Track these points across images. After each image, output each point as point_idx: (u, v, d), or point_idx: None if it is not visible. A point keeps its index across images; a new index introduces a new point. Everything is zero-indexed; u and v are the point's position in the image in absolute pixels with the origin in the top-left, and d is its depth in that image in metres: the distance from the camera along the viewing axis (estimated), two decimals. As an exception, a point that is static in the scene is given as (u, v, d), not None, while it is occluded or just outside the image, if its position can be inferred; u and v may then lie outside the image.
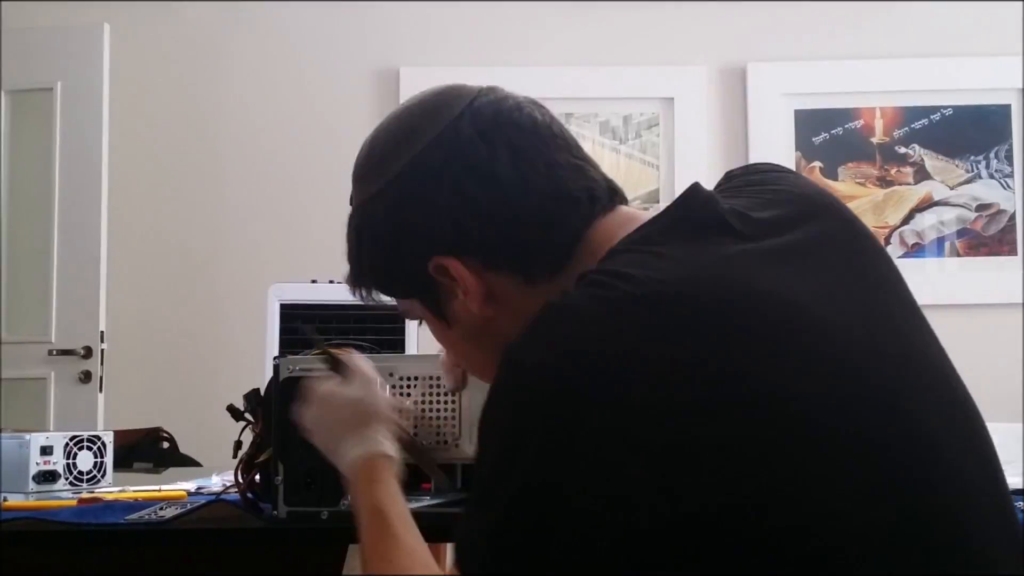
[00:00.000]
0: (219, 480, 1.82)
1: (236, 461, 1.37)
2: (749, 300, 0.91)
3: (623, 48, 4.38)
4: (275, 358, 1.36)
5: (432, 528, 1.38)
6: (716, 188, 1.08)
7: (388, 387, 1.33)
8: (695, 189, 1.02)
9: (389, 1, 4.40)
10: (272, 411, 1.34)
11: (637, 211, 1.10)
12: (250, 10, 4.45)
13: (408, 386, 1.33)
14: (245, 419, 1.36)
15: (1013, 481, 1.56)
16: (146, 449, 3.07)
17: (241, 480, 1.36)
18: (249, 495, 1.38)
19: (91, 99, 4.22)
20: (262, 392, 1.38)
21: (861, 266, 1.02)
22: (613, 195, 1.09)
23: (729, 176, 1.12)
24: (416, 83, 4.20)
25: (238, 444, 1.39)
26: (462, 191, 1.05)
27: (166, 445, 3.18)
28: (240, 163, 4.42)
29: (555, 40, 4.38)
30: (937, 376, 0.98)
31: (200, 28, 4.46)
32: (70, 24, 4.33)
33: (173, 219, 4.41)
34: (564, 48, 4.38)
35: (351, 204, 1.14)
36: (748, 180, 1.09)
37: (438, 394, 1.32)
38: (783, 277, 0.94)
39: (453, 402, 1.32)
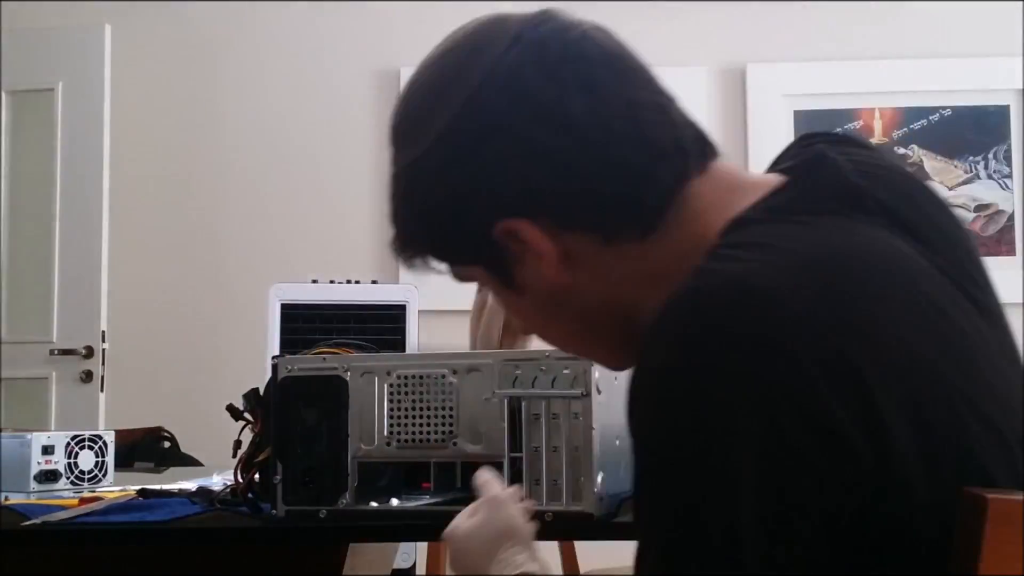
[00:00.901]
0: (220, 479, 1.82)
1: (236, 460, 1.38)
2: (925, 277, 0.86)
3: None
4: (274, 357, 1.36)
5: (432, 528, 1.38)
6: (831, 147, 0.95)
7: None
8: (820, 157, 0.92)
9: (389, 1, 4.40)
10: (271, 410, 1.35)
11: (740, 172, 0.95)
12: (250, 10, 4.45)
13: (407, 385, 1.33)
14: (244, 418, 1.37)
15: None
16: (147, 448, 3.08)
17: (241, 479, 1.37)
18: (249, 494, 1.38)
19: (92, 99, 4.23)
20: (261, 392, 1.38)
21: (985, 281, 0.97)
22: (703, 145, 0.93)
23: (837, 140, 0.99)
24: (416, 83, 4.22)
25: (237, 443, 1.40)
26: (531, 142, 0.88)
27: (167, 444, 3.18)
28: (241, 163, 4.42)
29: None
30: None
31: (200, 28, 4.46)
32: (71, 24, 4.34)
33: (174, 219, 4.41)
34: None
35: (393, 166, 0.97)
36: (865, 156, 0.96)
37: (437, 393, 1.32)
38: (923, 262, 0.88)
39: (451, 400, 1.32)
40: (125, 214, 4.33)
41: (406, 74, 4.24)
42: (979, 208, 4.26)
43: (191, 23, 4.46)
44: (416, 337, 2.39)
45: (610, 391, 1.33)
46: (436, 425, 1.32)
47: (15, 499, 1.63)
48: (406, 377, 1.33)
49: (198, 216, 4.41)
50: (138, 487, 1.66)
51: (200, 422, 3.95)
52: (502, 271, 0.94)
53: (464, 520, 1.16)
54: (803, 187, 0.89)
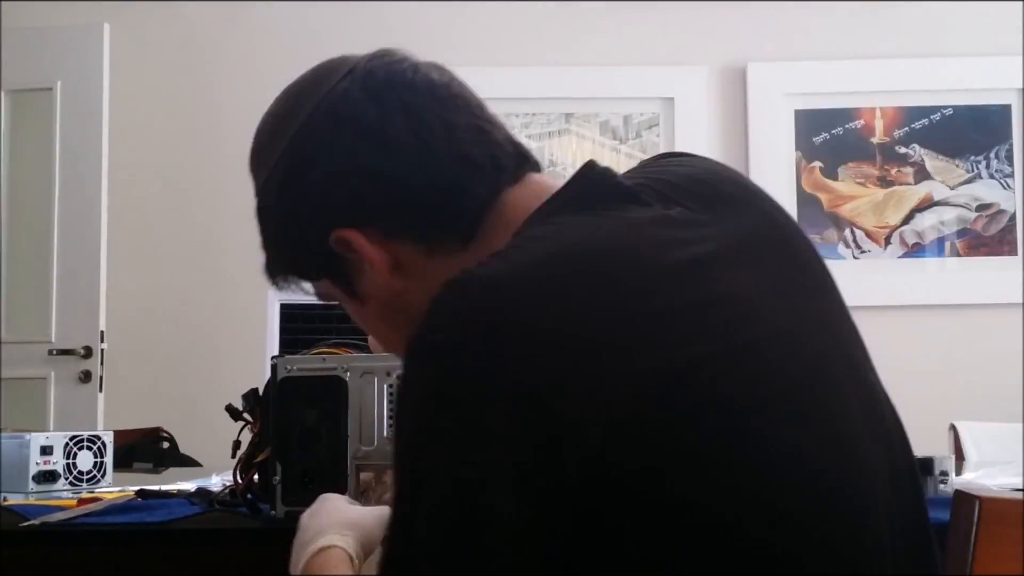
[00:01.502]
0: (219, 480, 1.82)
1: (235, 461, 1.38)
2: (666, 266, 0.88)
3: (623, 48, 4.38)
4: (273, 358, 1.36)
5: None
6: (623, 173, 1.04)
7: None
8: (590, 165, 0.99)
9: (388, 1, 4.40)
10: (270, 411, 1.34)
11: (550, 180, 1.04)
12: (249, 10, 4.46)
13: None
14: (243, 419, 1.36)
15: (1013, 481, 1.56)
16: (146, 449, 3.08)
17: (240, 480, 1.37)
18: (248, 495, 1.38)
19: (91, 99, 4.23)
20: (260, 392, 1.38)
21: (793, 261, 0.98)
22: (522, 161, 1.03)
23: (641, 164, 1.10)
24: (416, 83, 4.22)
25: (236, 444, 1.39)
26: (354, 158, 0.99)
27: (166, 445, 3.18)
28: (240, 163, 4.38)
29: (556, 40, 4.39)
30: (855, 374, 0.96)
31: (200, 28, 4.47)
32: (70, 24, 4.33)
33: (173, 219, 4.42)
34: (564, 48, 4.38)
35: (255, 198, 1.08)
36: (655, 161, 1.08)
37: None
38: (700, 248, 0.91)
39: None
40: (124, 214, 4.33)
41: (406, 73, 4.27)
42: (980, 208, 4.26)
43: (190, 22, 4.47)
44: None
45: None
46: None
47: (13, 499, 1.63)
48: None
49: (197, 215, 4.42)
50: (137, 488, 1.66)
51: (199, 423, 3.94)
52: (345, 281, 1.04)
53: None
54: (568, 193, 0.97)
